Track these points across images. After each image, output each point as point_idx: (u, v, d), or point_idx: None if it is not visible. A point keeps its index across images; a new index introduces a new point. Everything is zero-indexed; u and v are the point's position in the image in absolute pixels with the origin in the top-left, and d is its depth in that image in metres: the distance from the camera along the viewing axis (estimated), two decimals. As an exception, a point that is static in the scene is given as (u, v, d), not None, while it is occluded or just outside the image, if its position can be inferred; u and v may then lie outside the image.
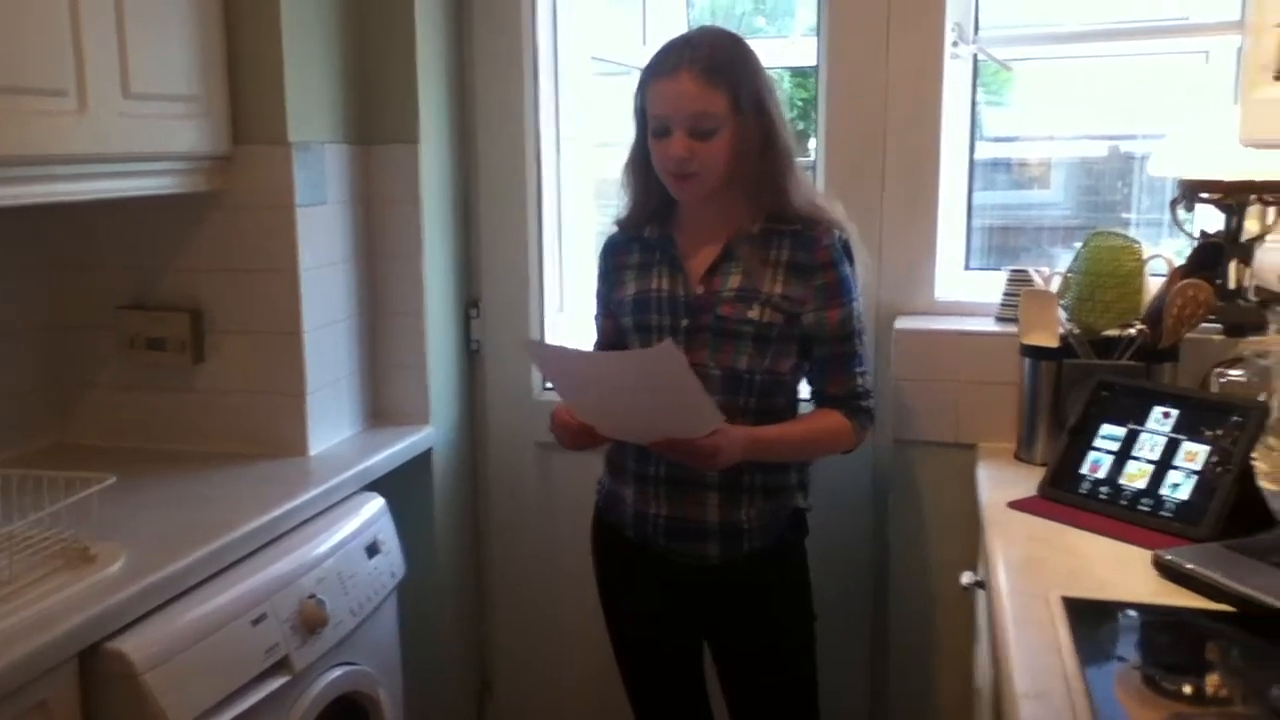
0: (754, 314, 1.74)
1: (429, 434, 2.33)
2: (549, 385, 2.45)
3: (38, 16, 1.59)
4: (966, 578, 1.82)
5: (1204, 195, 2.01)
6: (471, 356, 2.54)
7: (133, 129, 1.78)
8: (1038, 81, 2.69)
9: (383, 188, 2.30)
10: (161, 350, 2.10)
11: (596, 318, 1.96)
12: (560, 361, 1.79)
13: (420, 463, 2.33)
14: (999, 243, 2.62)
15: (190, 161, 1.96)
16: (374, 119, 2.27)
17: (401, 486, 2.22)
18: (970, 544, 1.99)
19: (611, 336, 1.91)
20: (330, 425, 2.17)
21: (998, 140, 2.75)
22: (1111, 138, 2.70)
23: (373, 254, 2.31)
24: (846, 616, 2.33)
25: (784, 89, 3.02)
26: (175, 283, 2.11)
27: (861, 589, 2.36)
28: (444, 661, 2.47)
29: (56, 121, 1.64)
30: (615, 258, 1.91)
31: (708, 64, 1.69)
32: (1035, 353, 1.98)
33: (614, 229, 1.93)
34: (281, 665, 1.70)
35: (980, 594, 1.79)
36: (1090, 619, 1.33)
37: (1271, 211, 1.97)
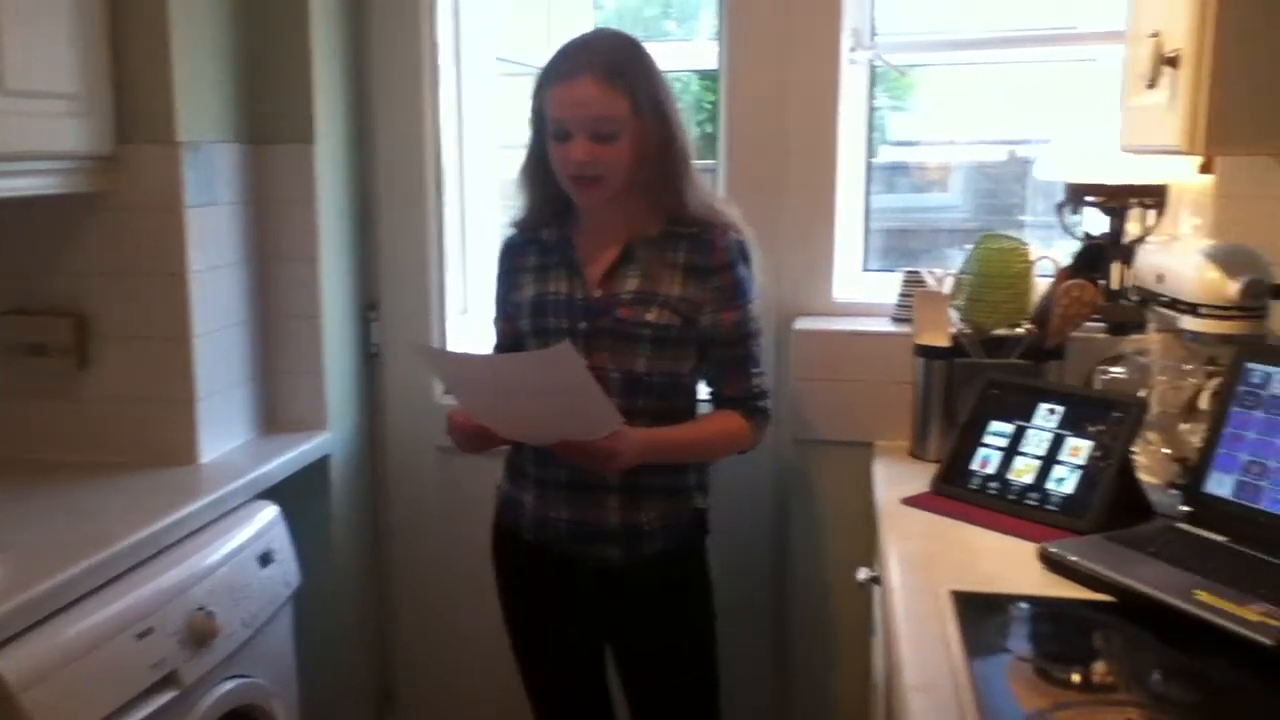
0: (652, 316, 1.75)
1: (326, 440, 2.29)
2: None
3: (-96, 10, 1.53)
4: (862, 574, 1.85)
5: (1088, 199, 2.08)
6: (370, 360, 2.50)
7: (11, 127, 1.71)
8: (940, 87, 2.75)
9: (277, 188, 2.25)
10: (44, 356, 2.03)
11: (495, 321, 1.94)
12: (454, 365, 1.77)
13: (317, 469, 2.28)
14: (899, 245, 2.67)
15: (73, 161, 1.90)
16: (268, 118, 2.22)
17: (298, 494, 2.18)
18: (868, 540, 2.03)
19: (510, 339, 1.90)
20: (222, 432, 2.12)
21: (900, 145, 2.81)
22: (1008, 142, 2.77)
23: (267, 256, 2.26)
24: (748, 614, 2.34)
25: (693, 92, 3.05)
26: (58, 287, 2.03)
27: (762, 587, 2.37)
28: (343, 671, 2.43)
29: (-74, 119, 1.57)
30: (513, 260, 1.90)
31: (608, 67, 1.69)
32: (928, 352, 2.02)
33: (512, 231, 1.92)
34: (169, 680, 1.65)
35: (877, 589, 1.82)
36: (979, 612, 1.36)
37: (1151, 214, 2.04)
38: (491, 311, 1.96)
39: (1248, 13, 1.30)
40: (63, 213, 1.99)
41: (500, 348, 1.93)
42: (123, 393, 2.03)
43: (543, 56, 1.78)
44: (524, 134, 1.84)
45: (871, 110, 2.45)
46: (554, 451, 1.70)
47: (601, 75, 1.68)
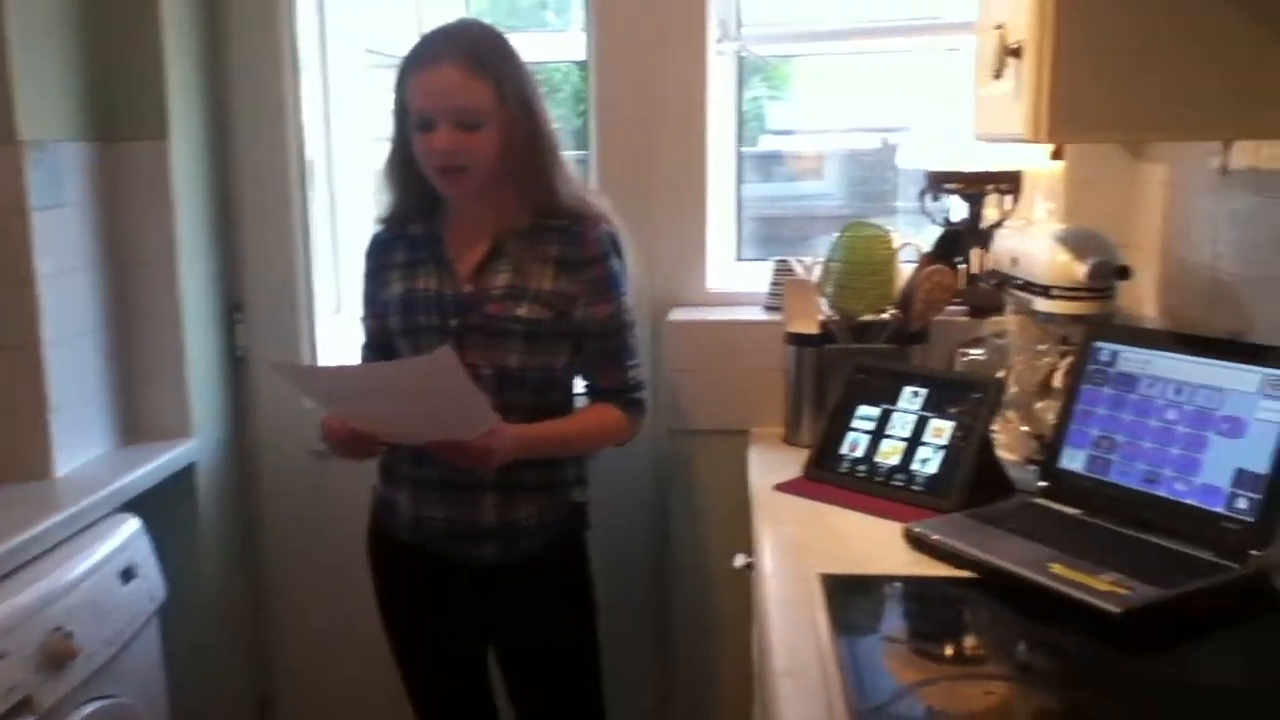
0: (523, 311, 1.73)
1: (191, 448, 2.22)
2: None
3: None
4: (739, 560, 1.86)
5: (948, 186, 2.13)
6: (237, 364, 2.42)
7: None
8: (816, 76, 2.79)
9: (131, 188, 2.16)
10: (-122, 369, 1.92)
11: (363, 319, 1.90)
12: (326, 380, 1.72)
13: (183, 478, 2.21)
14: (774, 233, 2.70)
15: (-97, 162, 1.80)
16: (118, 114, 2.13)
17: (163, 505, 2.10)
18: (745, 528, 2.04)
19: (379, 338, 1.86)
20: (78, 444, 2.03)
21: (779, 134, 2.84)
22: (880, 130, 2.83)
23: (123, 259, 2.17)
24: (629, 607, 2.34)
25: (573, 83, 3.03)
26: (-111, 295, 1.92)
27: (643, 579, 2.38)
28: (218, 681, 2.36)
29: None
30: (380, 257, 1.86)
31: (471, 55, 1.66)
32: (799, 340, 2.05)
33: (379, 227, 1.88)
34: (24, 705, 1.58)
35: (753, 574, 1.84)
36: (847, 594, 1.38)
37: (1008, 200, 2.11)
38: (360, 310, 1.92)
39: (1087, 4, 1.35)
40: (-104, 217, 1.88)
41: (369, 346, 1.89)
42: (-33, 405, 1.94)
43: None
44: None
45: (742, 100, 2.47)
46: (429, 451, 1.67)
47: (465, 63, 1.66)
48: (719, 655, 2.28)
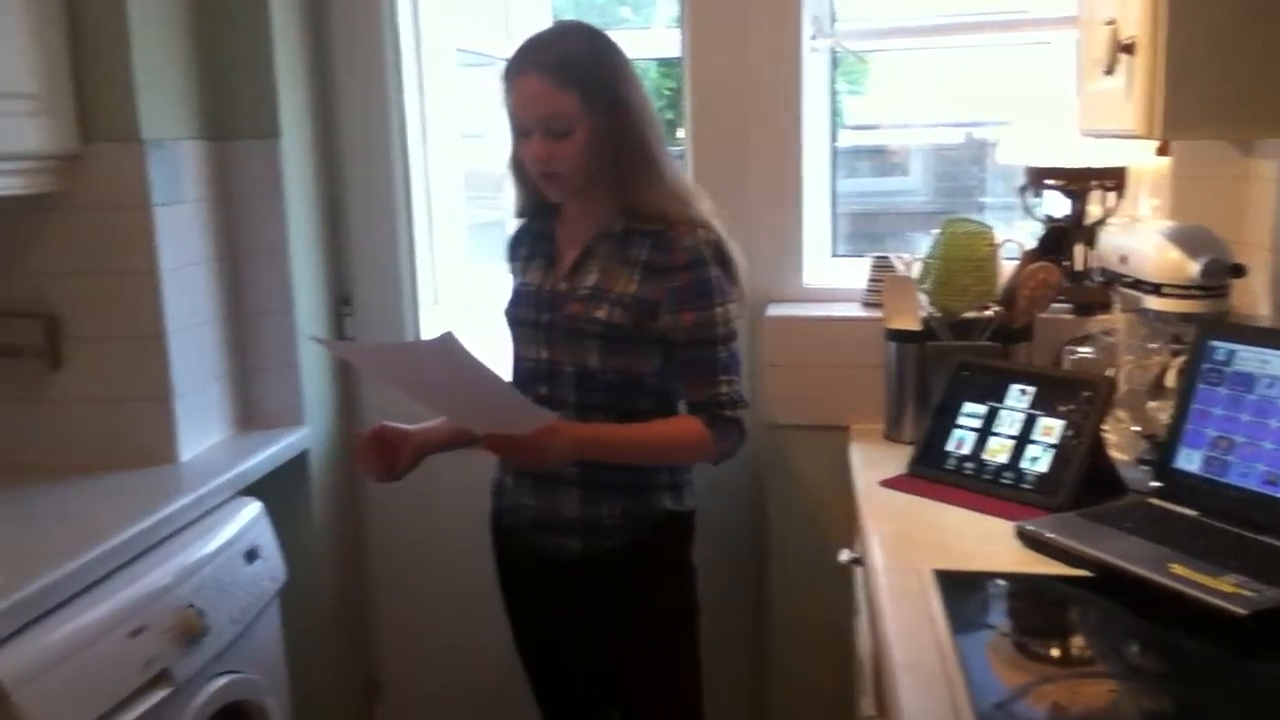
0: (601, 314, 1.72)
1: (304, 435, 2.29)
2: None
3: None
4: (844, 555, 1.88)
5: (1049, 182, 2.13)
6: (346, 355, 2.49)
7: (-31, 128, 1.69)
8: (894, 70, 2.78)
9: (244, 184, 2.23)
10: (16, 358, 2.00)
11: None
12: (359, 356, 1.73)
13: (297, 464, 2.28)
14: (863, 229, 2.71)
15: (35, 161, 1.88)
16: (232, 114, 2.20)
17: (279, 490, 2.17)
18: (845, 523, 2.06)
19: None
20: (200, 430, 2.11)
21: (858, 129, 2.84)
22: (965, 125, 2.82)
23: (238, 253, 2.24)
24: (731, 599, 2.36)
25: (651, 79, 3.06)
26: (26, 288, 2.01)
27: (742, 573, 2.40)
28: (330, 663, 2.43)
29: (-113, 120, 1.54)
30: (513, 250, 1.92)
31: (556, 63, 1.67)
32: (899, 336, 2.06)
33: (518, 222, 1.92)
34: (162, 678, 1.66)
35: (858, 570, 1.86)
36: (960, 589, 1.39)
37: (1111, 196, 2.10)
38: (464, 301, 1.95)
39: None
40: (28, 213, 1.96)
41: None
42: (98, 393, 2.02)
43: (500, 46, 1.78)
44: (483, 124, 1.83)
45: (834, 95, 2.48)
46: (484, 445, 1.67)
47: (548, 73, 1.67)
48: (817, 647, 2.29)
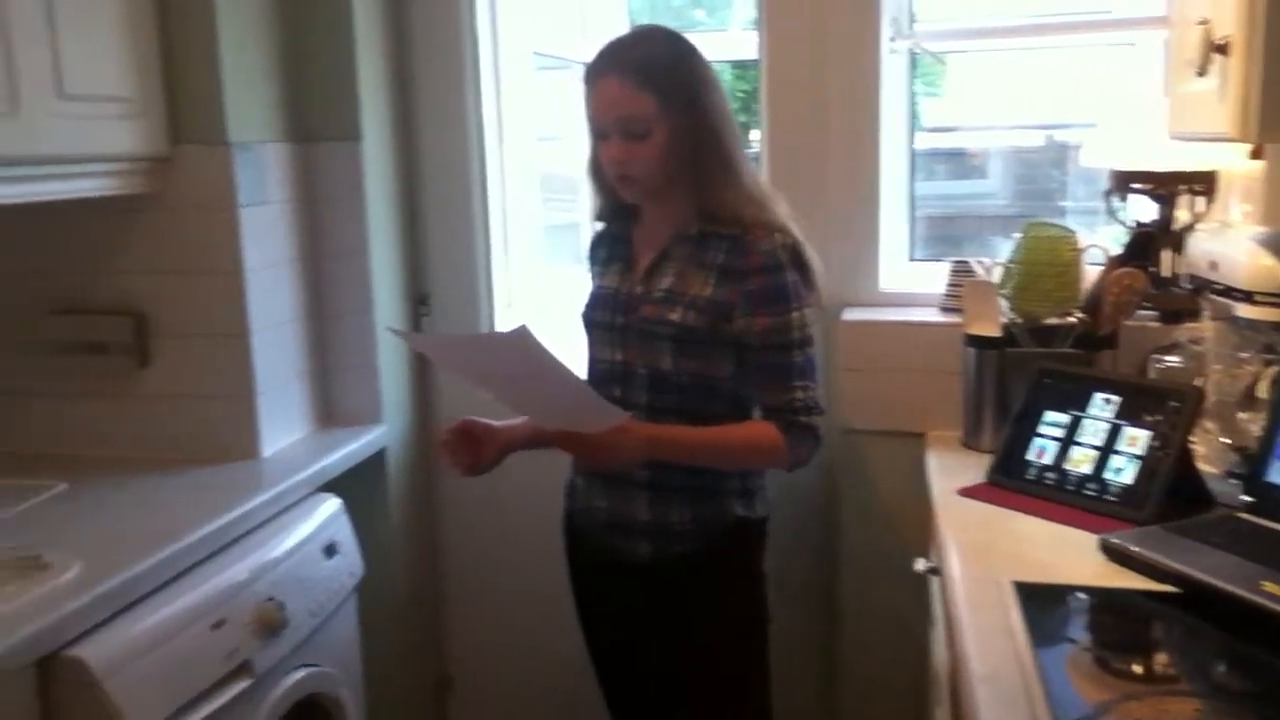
0: (675, 316, 1.72)
1: (382, 433, 2.32)
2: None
3: (-34, 18, 1.56)
4: (920, 565, 1.86)
5: (1135, 185, 2.08)
6: (422, 354, 2.52)
7: (66, 130, 1.75)
8: (971, 71, 2.74)
9: (326, 186, 2.27)
10: (105, 355, 2.06)
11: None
12: (432, 347, 1.74)
13: (374, 462, 2.32)
14: (940, 233, 2.67)
15: (127, 163, 1.93)
16: (315, 117, 2.25)
17: (356, 486, 2.21)
18: (922, 530, 2.04)
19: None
20: (281, 427, 2.15)
21: (934, 130, 2.80)
22: (1045, 127, 2.76)
23: (318, 253, 2.29)
24: (801, 607, 2.35)
25: (725, 81, 3.04)
26: (116, 286, 2.07)
27: (815, 579, 2.38)
28: (403, 659, 2.46)
29: (-13, 123, 1.60)
30: (593, 252, 1.93)
31: (637, 66, 1.68)
32: (978, 342, 2.02)
33: (599, 225, 1.93)
34: (243, 669, 1.69)
35: (934, 580, 1.83)
36: (1040, 602, 1.37)
37: (1201, 201, 2.04)
38: (537, 303, 1.97)
39: (1298, -2, 1.31)
40: (118, 213, 2.02)
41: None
42: (183, 389, 2.07)
43: (578, 50, 1.79)
44: (559, 127, 1.84)
45: (912, 98, 2.45)
46: (554, 441, 1.69)
47: (628, 74, 1.68)
48: (891, 658, 2.26)
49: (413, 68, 2.43)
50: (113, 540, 1.65)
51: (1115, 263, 2.01)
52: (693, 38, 1.78)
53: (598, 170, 1.82)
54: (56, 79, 1.72)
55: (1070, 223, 2.21)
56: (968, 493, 1.79)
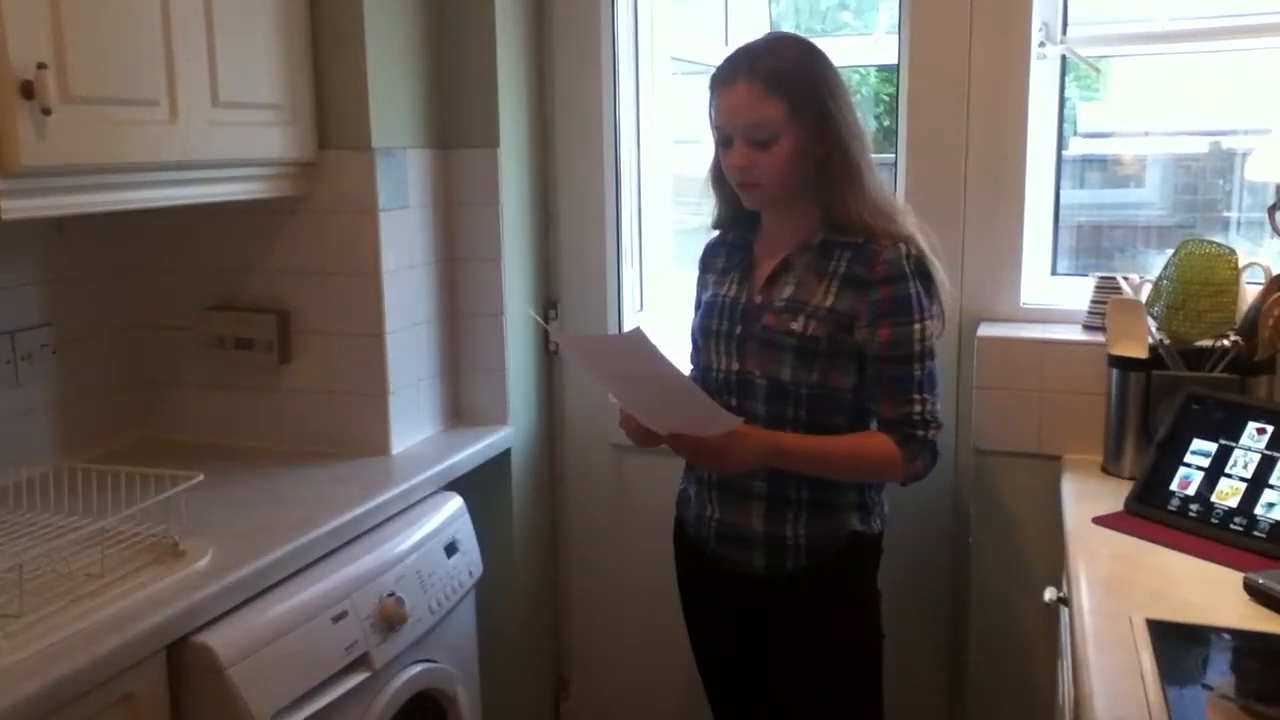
0: (797, 326, 1.70)
1: (508, 434, 2.36)
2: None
3: (131, 29, 1.64)
4: (1049, 594, 1.78)
5: (1304, 201, 1.94)
6: (550, 358, 2.56)
7: (221, 137, 1.82)
8: (1134, 74, 2.61)
9: (463, 191, 2.32)
10: (250, 350, 2.15)
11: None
12: (565, 340, 1.73)
13: (499, 463, 2.35)
14: (1091, 244, 2.55)
15: (277, 167, 2.01)
16: (455, 124, 2.30)
17: (480, 486, 2.25)
18: (1053, 557, 1.95)
19: (695, 338, 1.90)
20: (411, 425, 2.20)
21: (1091, 136, 2.68)
22: (1211, 133, 2.61)
23: (453, 257, 2.34)
24: (923, 629, 2.29)
25: (870, 84, 2.99)
26: (262, 285, 2.16)
27: (939, 602, 2.32)
28: (520, 659, 2.50)
29: (148, 131, 1.68)
30: (706, 260, 1.92)
31: (766, 73, 1.67)
32: (1123, 363, 1.93)
33: (713, 233, 1.93)
34: (361, 662, 1.73)
35: (1064, 610, 1.75)
36: (1176, 642, 1.31)
37: (1376, 218, 1.89)
38: (668, 307, 1.97)
39: None
40: (266, 215, 2.11)
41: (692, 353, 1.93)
42: (321, 385, 2.15)
43: (717, 55, 1.78)
44: (694, 130, 1.83)
45: (1062, 104, 2.34)
46: (668, 443, 1.69)
47: (757, 81, 1.66)
48: (1016, 684, 2.18)
49: (552, 75, 2.47)
50: (243, 530, 1.72)
51: (1277, 283, 1.88)
52: (839, 41, 1.75)
53: (719, 177, 1.81)
54: (213, 87, 1.80)
55: (1235, 236, 2.09)
56: (1104, 521, 1.71)
